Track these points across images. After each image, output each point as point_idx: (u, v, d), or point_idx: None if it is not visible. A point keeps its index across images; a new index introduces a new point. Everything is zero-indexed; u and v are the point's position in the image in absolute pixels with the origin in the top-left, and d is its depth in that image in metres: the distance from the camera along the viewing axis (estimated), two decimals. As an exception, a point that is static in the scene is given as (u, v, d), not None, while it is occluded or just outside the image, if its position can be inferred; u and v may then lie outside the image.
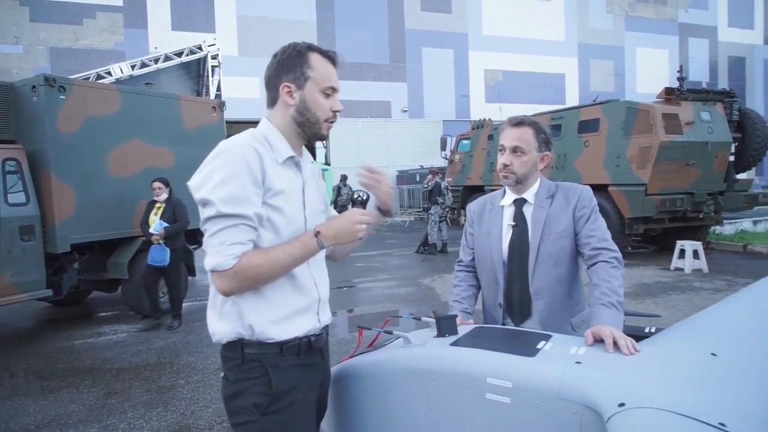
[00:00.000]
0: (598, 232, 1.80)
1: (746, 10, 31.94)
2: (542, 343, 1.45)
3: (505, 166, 1.86)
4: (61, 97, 5.42)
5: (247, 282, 1.32)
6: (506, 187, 1.96)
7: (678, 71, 10.06)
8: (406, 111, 25.49)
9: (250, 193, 1.31)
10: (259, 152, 1.34)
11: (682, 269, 8.51)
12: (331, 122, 1.47)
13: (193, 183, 1.34)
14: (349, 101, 23.86)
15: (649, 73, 28.85)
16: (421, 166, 22.19)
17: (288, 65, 1.42)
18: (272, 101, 1.46)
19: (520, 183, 1.88)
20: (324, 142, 24.72)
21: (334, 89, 1.45)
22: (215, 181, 1.29)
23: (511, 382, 1.29)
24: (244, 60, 20.78)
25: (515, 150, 1.85)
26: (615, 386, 1.18)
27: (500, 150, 1.90)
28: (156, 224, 5.72)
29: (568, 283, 1.85)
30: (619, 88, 28.22)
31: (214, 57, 10.94)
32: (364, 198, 2.21)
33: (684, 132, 8.99)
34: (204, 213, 1.31)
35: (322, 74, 1.42)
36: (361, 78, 24.21)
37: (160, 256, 5.72)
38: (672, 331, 1.65)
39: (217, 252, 1.29)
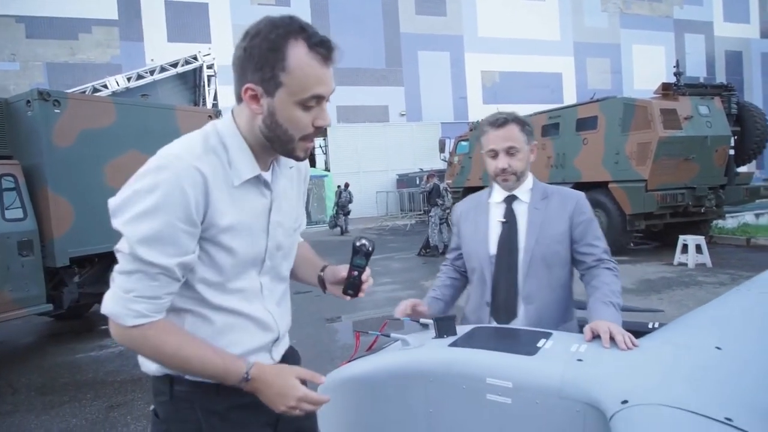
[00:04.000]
0: (601, 243, 1.81)
1: (741, 4, 31.99)
2: (542, 341, 1.42)
3: (504, 170, 1.80)
4: (55, 111, 5.41)
5: (140, 351, 1.08)
6: (496, 186, 1.91)
7: (675, 66, 10.06)
8: (404, 115, 25.53)
9: (179, 232, 1.02)
10: (205, 175, 1.04)
11: (685, 264, 8.46)
12: (312, 140, 1.13)
13: (112, 203, 1.04)
14: (346, 107, 23.95)
15: (646, 70, 28.89)
16: (421, 169, 22.22)
17: (256, 59, 1.04)
18: (238, 98, 1.11)
19: (518, 181, 1.85)
20: (323, 147, 24.75)
21: (320, 97, 1.07)
22: (136, 210, 1.00)
23: (511, 382, 1.26)
24: (241, 69, 20.82)
25: (509, 150, 1.80)
26: (617, 383, 1.15)
27: (491, 155, 1.83)
28: None
29: (560, 289, 1.83)
30: (616, 86, 28.24)
31: (209, 67, 10.96)
32: (369, 249, 1.94)
33: (683, 127, 8.97)
34: (119, 242, 1.04)
35: (301, 80, 1.04)
36: (357, 83, 24.27)
37: None
38: (675, 325, 1.62)
39: (120, 300, 1.02)
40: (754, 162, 11.44)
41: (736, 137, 9.82)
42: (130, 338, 1.04)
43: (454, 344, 1.45)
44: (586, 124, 10.26)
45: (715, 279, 7.41)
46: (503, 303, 1.82)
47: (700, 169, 9.25)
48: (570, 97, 26.96)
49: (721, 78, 29.03)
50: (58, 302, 5.65)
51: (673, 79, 9.80)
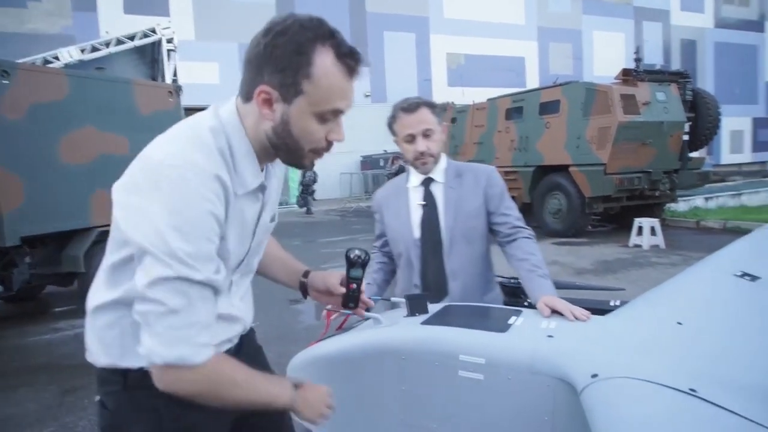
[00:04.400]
0: (514, 212, 1.89)
1: (697, -7, 32.88)
2: (513, 318, 1.44)
3: (423, 153, 1.84)
4: (4, 81, 5.10)
5: (214, 392, 0.97)
6: (413, 170, 1.95)
7: (635, 53, 10.29)
8: (368, 96, 25.32)
9: (213, 246, 0.95)
10: (226, 186, 0.96)
11: (640, 246, 8.77)
12: (322, 153, 1.08)
13: (122, 206, 0.95)
14: (310, 86, 23.54)
15: (606, 56, 29.45)
16: (385, 150, 22.15)
17: (278, 60, 0.94)
18: (246, 96, 1.01)
19: (435, 163, 1.90)
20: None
21: (339, 112, 1.02)
22: (167, 223, 0.88)
23: (483, 358, 1.27)
24: (202, 44, 20.17)
25: (425, 133, 1.84)
26: (587, 358, 1.17)
27: (408, 140, 1.86)
28: None
29: (481, 263, 1.92)
30: (577, 71, 28.70)
31: (169, 41, 10.52)
32: (365, 259, 1.80)
33: (641, 112, 9.21)
34: (148, 268, 0.89)
35: (325, 91, 0.97)
36: (322, 62, 23.85)
37: None
38: (637, 303, 1.67)
39: (178, 340, 0.89)
40: (705, 148, 11.87)
41: (690, 123, 10.16)
42: (204, 378, 0.94)
43: (426, 322, 1.46)
44: (548, 108, 10.41)
45: (668, 260, 7.71)
46: (433, 283, 1.88)
47: (656, 153, 9.56)
48: (533, 82, 27.26)
49: (676, 66, 29.90)
50: (8, 283, 5.41)
51: (632, 66, 10.03)
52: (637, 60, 9.95)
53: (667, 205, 11.39)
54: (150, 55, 10.81)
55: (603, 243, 9.42)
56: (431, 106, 1.87)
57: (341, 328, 1.70)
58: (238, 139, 1.02)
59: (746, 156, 32.02)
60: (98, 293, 1.10)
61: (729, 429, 0.95)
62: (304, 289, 1.37)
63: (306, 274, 1.37)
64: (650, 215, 9.74)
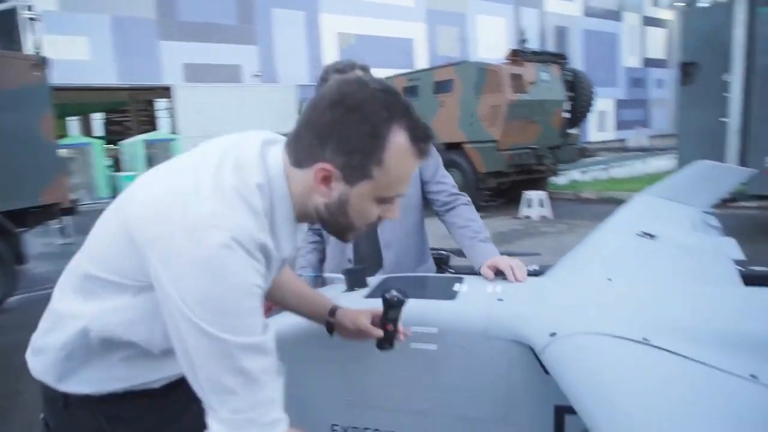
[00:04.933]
0: (449, 180, 1.89)
1: (568, -18, 35.37)
2: (457, 285, 1.41)
3: None
4: None
5: None
6: None
7: (521, 35, 10.85)
8: (259, 76, 24.41)
9: (259, 314, 0.88)
10: (269, 253, 0.87)
11: (530, 217, 9.37)
12: (370, 228, 1.01)
13: (154, 256, 0.82)
14: (194, 65, 22.26)
15: (489, 40, 30.84)
16: (278, 132, 21.56)
17: (347, 140, 0.85)
18: (299, 163, 0.90)
19: None
20: (169, 111, 22.78)
21: (400, 196, 0.96)
22: (215, 309, 0.80)
23: (436, 327, 1.23)
24: (69, 16, 18.11)
25: None
26: (542, 318, 1.17)
27: None
28: None
29: (415, 233, 1.91)
30: (463, 54, 29.75)
31: (28, 9, 9.29)
32: (403, 300, 1.72)
33: (527, 91, 9.76)
34: (202, 341, 0.80)
35: (394, 179, 0.89)
36: (206, 39, 22.57)
37: None
38: (565, 264, 1.72)
39: (249, 422, 0.81)
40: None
41: (572, 102, 10.96)
42: None
43: (370, 296, 1.39)
44: (442, 86, 10.67)
45: (555, 229, 8.31)
46: (368, 255, 1.84)
47: (541, 130, 10.22)
48: (422, 63, 27.83)
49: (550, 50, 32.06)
50: None
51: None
52: (523, 41, 10.50)
53: (549, 178, 12.27)
54: (4, 26, 9.50)
55: (496, 216, 9.92)
56: (365, 69, 1.79)
57: (271, 310, 1.58)
58: (281, 201, 0.91)
59: (610, 134, 35.34)
60: (67, 300, 0.97)
61: (683, 371, 0.99)
62: (331, 328, 1.25)
63: (332, 313, 1.25)
64: (535, 188, 10.41)
